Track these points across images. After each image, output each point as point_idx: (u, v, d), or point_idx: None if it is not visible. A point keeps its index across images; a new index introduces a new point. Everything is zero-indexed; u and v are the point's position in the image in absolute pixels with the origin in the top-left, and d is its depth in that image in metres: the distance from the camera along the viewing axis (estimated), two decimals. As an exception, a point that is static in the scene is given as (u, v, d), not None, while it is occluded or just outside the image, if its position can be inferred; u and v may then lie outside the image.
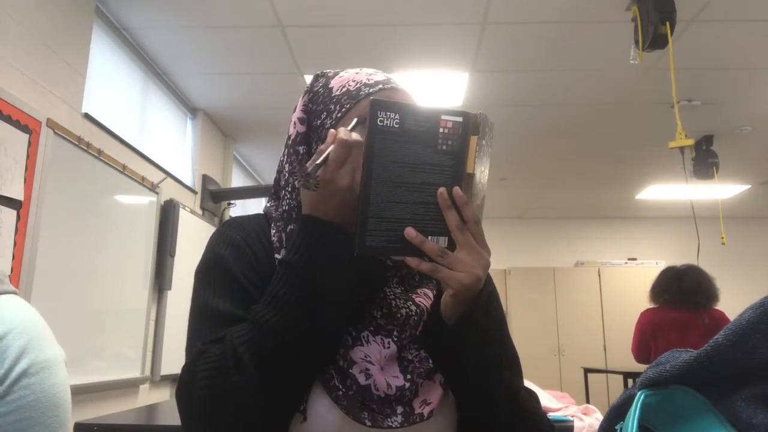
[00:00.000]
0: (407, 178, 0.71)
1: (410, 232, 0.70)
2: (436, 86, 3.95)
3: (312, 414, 0.74)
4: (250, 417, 0.70)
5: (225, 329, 0.73)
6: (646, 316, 3.67)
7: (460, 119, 0.72)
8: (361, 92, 0.82)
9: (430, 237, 0.71)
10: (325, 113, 0.83)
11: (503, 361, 0.80)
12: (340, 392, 0.73)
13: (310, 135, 0.84)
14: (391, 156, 0.70)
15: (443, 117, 0.72)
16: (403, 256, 0.72)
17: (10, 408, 0.69)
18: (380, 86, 0.83)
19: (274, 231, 0.83)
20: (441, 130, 0.72)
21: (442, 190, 0.71)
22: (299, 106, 0.86)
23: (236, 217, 0.89)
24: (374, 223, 0.70)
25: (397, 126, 0.70)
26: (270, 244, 0.82)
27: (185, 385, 0.71)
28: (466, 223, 0.71)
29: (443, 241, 0.72)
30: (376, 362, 0.76)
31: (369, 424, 0.73)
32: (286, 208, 0.83)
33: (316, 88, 0.86)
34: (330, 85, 0.85)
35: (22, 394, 0.70)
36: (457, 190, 0.71)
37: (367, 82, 0.83)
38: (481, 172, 0.75)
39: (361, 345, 0.76)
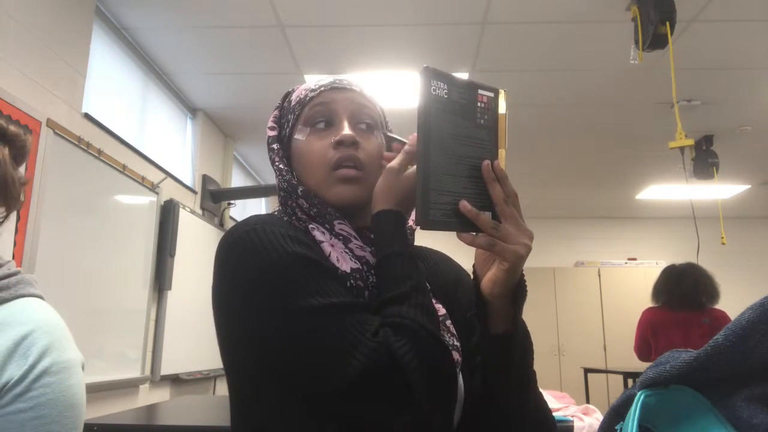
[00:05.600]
0: (455, 150, 0.70)
1: (465, 205, 0.69)
2: (436, 86, 3.94)
3: None
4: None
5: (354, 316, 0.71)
6: (646, 315, 3.67)
7: (492, 94, 0.73)
8: (307, 97, 0.87)
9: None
10: (286, 124, 0.89)
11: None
12: None
13: (282, 141, 0.90)
14: (443, 126, 0.69)
15: (480, 91, 0.72)
16: (457, 230, 0.71)
17: (30, 404, 0.71)
18: (322, 88, 0.87)
19: (286, 214, 0.86)
20: (479, 104, 0.72)
21: (486, 163, 0.71)
22: (270, 118, 0.92)
23: (254, 216, 0.84)
24: (435, 196, 0.68)
25: (446, 96, 0.70)
26: (293, 226, 0.83)
27: (384, 363, 0.68)
28: (508, 197, 0.72)
29: (489, 216, 0.71)
30: None
31: None
32: (284, 186, 0.86)
33: (284, 104, 0.92)
34: (290, 99, 0.91)
35: (42, 391, 0.72)
36: (497, 163, 0.72)
37: (313, 87, 0.88)
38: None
39: None
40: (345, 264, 0.78)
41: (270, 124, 0.91)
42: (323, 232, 0.81)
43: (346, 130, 0.83)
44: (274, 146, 0.89)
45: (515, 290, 0.74)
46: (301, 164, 0.86)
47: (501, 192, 0.71)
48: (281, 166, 0.87)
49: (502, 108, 0.73)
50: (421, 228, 0.70)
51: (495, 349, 0.75)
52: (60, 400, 0.73)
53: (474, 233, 0.71)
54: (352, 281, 0.77)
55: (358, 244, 0.81)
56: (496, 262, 0.73)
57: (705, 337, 3.34)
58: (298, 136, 0.86)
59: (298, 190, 0.83)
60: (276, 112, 0.92)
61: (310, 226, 0.82)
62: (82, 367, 0.79)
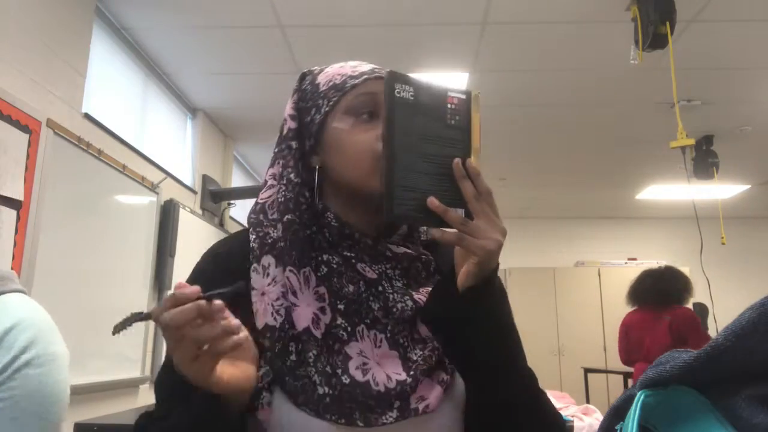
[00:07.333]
0: (424, 149, 0.72)
1: (433, 201, 0.70)
2: (436, 86, 3.95)
3: None
4: None
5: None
6: (623, 320, 3.98)
7: (464, 96, 0.76)
8: (347, 84, 0.82)
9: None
10: (314, 109, 0.83)
11: (519, 337, 0.80)
12: (327, 399, 0.72)
13: (302, 131, 0.85)
14: (408, 127, 0.72)
15: (449, 93, 0.75)
16: (426, 226, 0.74)
17: (7, 395, 0.72)
18: (365, 77, 0.83)
19: (253, 237, 0.82)
20: (449, 105, 0.74)
21: (457, 160, 0.72)
22: (289, 105, 0.86)
23: (222, 240, 0.89)
24: (400, 192, 0.70)
25: (412, 98, 0.72)
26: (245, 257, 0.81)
27: None
28: (481, 194, 0.72)
29: (460, 213, 0.73)
30: (371, 358, 0.75)
31: (361, 424, 0.72)
32: (282, 199, 0.82)
33: (303, 86, 0.87)
34: (317, 82, 0.85)
35: (22, 383, 0.73)
36: (470, 161, 0.73)
37: (352, 74, 0.83)
38: None
39: (356, 340, 0.76)
40: (261, 319, 0.76)
41: (290, 111, 0.85)
42: (268, 274, 0.79)
43: None
44: (293, 144, 0.83)
45: (486, 284, 0.73)
46: (341, 154, 0.81)
47: (472, 189, 0.72)
48: (294, 177, 0.81)
49: (475, 109, 0.76)
50: (387, 220, 0.72)
51: (462, 309, 0.73)
52: (40, 391, 0.74)
53: (444, 229, 0.72)
54: (261, 339, 0.74)
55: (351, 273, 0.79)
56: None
57: (666, 336, 3.66)
58: (338, 125, 0.81)
59: (285, 217, 0.80)
60: (294, 97, 0.86)
61: (261, 263, 0.79)
62: (67, 365, 0.80)
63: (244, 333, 0.65)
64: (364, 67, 0.85)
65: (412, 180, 0.71)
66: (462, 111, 0.75)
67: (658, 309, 3.67)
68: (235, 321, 0.64)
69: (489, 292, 0.73)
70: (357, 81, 0.82)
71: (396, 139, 0.71)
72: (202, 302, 0.61)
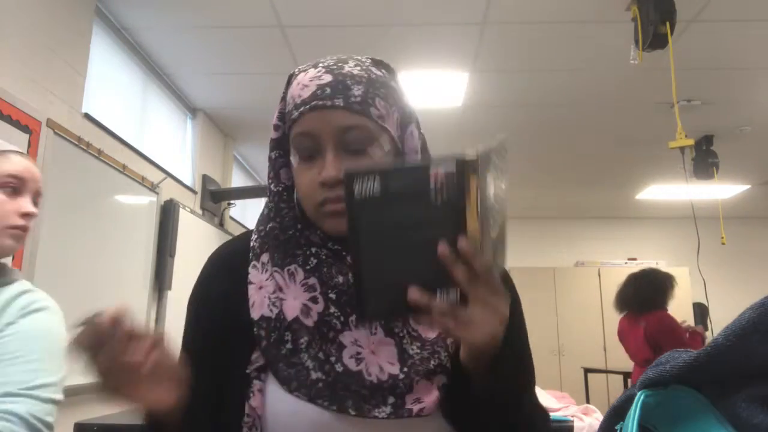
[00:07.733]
0: (403, 240, 0.64)
1: (414, 293, 0.62)
2: (436, 86, 3.95)
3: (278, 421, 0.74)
4: None
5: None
6: (618, 325, 3.96)
7: (453, 170, 0.63)
8: (293, 114, 0.76)
9: (439, 291, 0.64)
10: (289, 121, 0.80)
11: (528, 380, 0.80)
12: (320, 384, 0.72)
13: (284, 142, 0.82)
14: (379, 224, 0.63)
15: (432, 170, 0.63)
16: (411, 317, 0.70)
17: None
18: (301, 110, 0.75)
19: (255, 237, 0.83)
20: (432, 185, 0.63)
21: (442, 247, 0.62)
22: (276, 113, 0.83)
23: (232, 239, 0.92)
24: (374, 293, 0.64)
25: (379, 192, 0.62)
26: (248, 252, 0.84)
27: None
28: (478, 275, 0.63)
29: (454, 293, 0.64)
30: (366, 346, 0.74)
31: (353, 413, 0.71)
32: (266, 211, 0.84)
33: (286, 96, 0.83)
34: (291, 95, 0.79)
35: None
36: (462, 242, 0.62)
37: (296, 101, 0.76)
38: (498, 197, 0.67)
39: (350, 330, 0.75)
40: (257, 311, 0.78)
41: (274, 121, 0.82)
42: (266, 270, 0.80)
43: (329, 168, 0.73)
44: (272, 155, 0.83)
45: (491, 364, 0.68)
46: (297, 190, 0.81)
47: (464, 273, 0.62)
48: (274, 187, 0.83)
49: (472, 176, 0.63)
50: (362, 324, 0.73)
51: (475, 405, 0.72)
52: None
53: (431, 318, 0.65)
54: (257, 330, 0.76)
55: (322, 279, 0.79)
56: None
57: (644, 343, 3.66)
58: (292, 159, 0.79)
59: (269, 225, 0.82)
60: (280, 105, 0.82)
61: (260, 261, 0.81)
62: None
63: (152, 357, 0.69)
64: (308, 90, 0.76)
65: (390, 277, 0.64)
66: (452, 185, 0.63)
67: (637, 315, 3.69)
68: (142, 346, 0.69)
69: (490, 370, 0.68)
70: (295, 114, 0.76)
71: (362, 242, 0.63)
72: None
